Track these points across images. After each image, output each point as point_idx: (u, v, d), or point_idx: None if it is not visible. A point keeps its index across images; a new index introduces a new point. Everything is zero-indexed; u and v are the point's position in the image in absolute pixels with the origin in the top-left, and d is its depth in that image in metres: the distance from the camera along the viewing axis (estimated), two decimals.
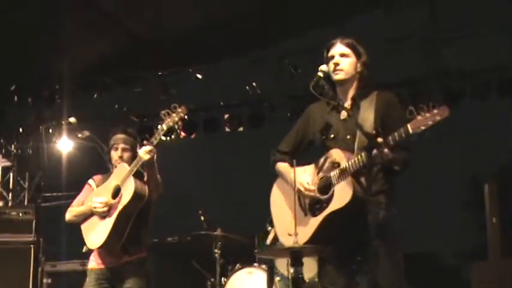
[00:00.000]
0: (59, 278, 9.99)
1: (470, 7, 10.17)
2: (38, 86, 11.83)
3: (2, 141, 12.24)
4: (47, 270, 9.95)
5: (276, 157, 5.27)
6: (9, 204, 11.68)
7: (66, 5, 9.31)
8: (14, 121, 12.24)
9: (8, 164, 12.13)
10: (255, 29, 10.45)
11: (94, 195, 6.28)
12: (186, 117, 5.81)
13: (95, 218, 6.18)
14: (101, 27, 10.14)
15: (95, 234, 6.13)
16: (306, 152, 5.26)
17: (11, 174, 12.09)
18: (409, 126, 4.43)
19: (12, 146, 12.25)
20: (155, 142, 5.85)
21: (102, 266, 6.14)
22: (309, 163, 5.02)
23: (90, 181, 6.50)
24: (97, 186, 6.39)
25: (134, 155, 6.16)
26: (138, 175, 6.03)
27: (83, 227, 6.29)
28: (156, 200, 6.24)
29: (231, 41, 10.67)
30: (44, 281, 9.84)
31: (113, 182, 6.15)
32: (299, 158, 5.14)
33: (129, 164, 6.08)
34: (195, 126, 11.56)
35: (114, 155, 6.29)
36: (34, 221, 9.14)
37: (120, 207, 5.98)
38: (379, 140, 4.48)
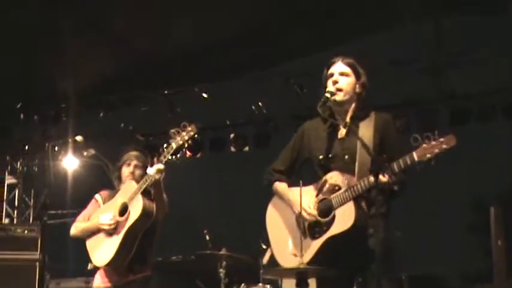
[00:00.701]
0: None
1: (476, 30, 10.18)
2: (44, 104, 11.87)
3: (8, 158, 12.28)
4: None
5: (274, 177, 5.20)
6: (15, 221, 11.68)
7: (72, 24, 9.34)
8: (20, 139, 12.28)
9: (13, 181, 12.15)
10: (261, 49, 10.47)
11: (100, 212, 6.29)
12: (195, 135, 5.81)
13: (101, 235, 6.18)
14: (107, 46, 10.16)
15: (102, 251, 6.13)
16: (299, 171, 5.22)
17: (17, 192, 12.10)
18: (414, 154, 4.41)
19: (18, 163, 12.28)
20: (164, 160, 5.85)
21: (108, 285, 6.14)
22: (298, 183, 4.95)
23: (97, 196, 6.51)
24: (103, 202, 6.41)
25: (144, 173, 6.18)
26: (145, 193, 6.04)
27: (88, 243, 6.29)
28: (162, 220, 6.24)
29: (237, 60, 10.69)
30: None
31: (119, 199, 6.17)
32: (293, 176, 5.13)
33: (138, 182, 6.10)
34: (201, 145, 11.58)
35: (126, 170, 6.32)
36: (39, 239, 9.13)
37: (127, 225, 5.99)
38: (386, 164, 4.45)
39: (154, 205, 6.04)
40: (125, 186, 6.20)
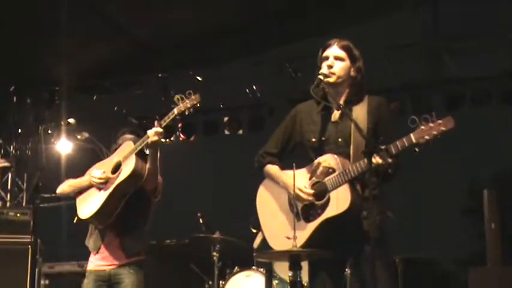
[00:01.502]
0: (57, 279, 9.97)
1: (473, 15, 10.16)
2: (38, 87, 11.83)
3: (0, 141, 12.23)
4: (45, 272, 9.94)
5: (265, 159, 5.15)
6: (7, 204, 11.66)
7: (67, 8, 9.29)
8: (13, 122, 12.23)
9: (6, 164, 12.12)
10: (256, 33, 10.45)
11: (94, 168, 6.27)
12: (198, 105, 5.78)
13: (91, 191, 6.17)
14: (102, 30, 10.13)
15: (88, 205, 6.12)
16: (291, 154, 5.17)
17: (10, 175, 12.08)
18: (412, 135, 4.37)
19: (11, 146, 12.24)
20: (164, 124, 5.83)
21: (101, 268, 6.12)
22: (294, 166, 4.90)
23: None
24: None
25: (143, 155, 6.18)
26: (141, 156, 6.01)
27: (78, 199, 6.27)
28: (156, 203, 6.23)
29: (231, 44, 10.66)
30: (42, 282, 9.82)
31: (115, 158, 6.14)
32: (285, 159, 5.10)
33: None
34: (195, 128, 11.57)
35: None
36: (32, 222, 9.11)
37: (117, 181, 5.97)
38: (382, 147, 4.42)
39: (146, 167, 6.00)
40: (122, 147, 6.17)
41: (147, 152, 6.03)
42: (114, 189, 5.98)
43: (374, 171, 4.48)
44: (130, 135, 6.36)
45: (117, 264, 6.07)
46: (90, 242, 6.26)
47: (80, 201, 6.26)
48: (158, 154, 6.00)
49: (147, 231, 6.33)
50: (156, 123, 5.85)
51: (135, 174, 5.93)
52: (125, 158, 6.01)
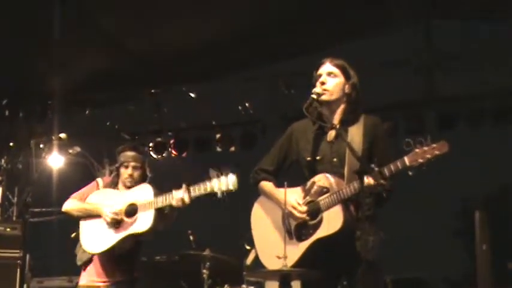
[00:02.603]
0: None
1: (465, 33, 10.19)
2: (30, 101, 11.79)
3: None
4: (34, 287, 9.87)
5: (260, 176, 5.14)
6: None
7: (60, 22, 9.28)
8: (4, 135, 12.18)
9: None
10: (249, 49, 10.44)
11: (105, 197, 6.22)
12: (232, 190, 5.52)
13: (99, 222, 6.12)
14: (95, 44, 10.12)
15: (96, 239, 6.09)
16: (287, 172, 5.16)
17: (0, 189, 12.01)
18: (406, 158, 4.37)
19: (2, 160, 12.18)
20: (193, 197, 5.75)
21: (96, 284, 6.10)
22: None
23: (99, 180, 6.44)
24: (104, 187, 6.35)
25: (144, 173, 6.18)
26: (158, 210, 5.98)
27: (84, 224, 6.22)
28: None
29: (224, 60, 10.66)
30: None
31: (130, 196, 6.11)
32: (280, 177, 5.08)
33: (137, 183, 6.12)
34: (187, 145, 11.54)
35: (124, 173, 6.26)
36: (21, 236, 9.06)
37: (130, 231, 5.95)
38: (375, 168, 4.40)
39: (161, 222, 6.00)
40: (140, 187, 6.12)
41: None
42: (127, 236, 5.97)
43: (368, 193, 4.46)
44: (132, 152, 6.32)
45: (112, 282, 6.08)
46: (80, 253, 6.24)
47: (86, 228, 6.22)
48: (176, 212, 6.00)
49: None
50: (184, 187, 5.76)
51: (151, 230, 5.93)
52: (143, 206, 5.95)
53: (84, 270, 6.21)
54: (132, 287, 6.13)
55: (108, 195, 6.26)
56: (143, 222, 5.90)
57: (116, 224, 6.03)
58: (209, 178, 5.59)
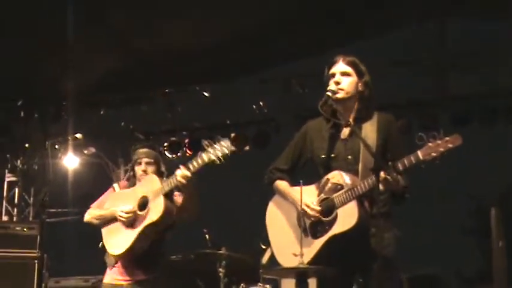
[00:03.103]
0: None
1: (478, 31, 10.18)
2: (45, 102, 11.85)
3: (8, 156, 12.25)
4: (51, 287, 9.94)
5: (275, 175, 5.18)
6: (14, 219, 11.67)
7: (74, 23, 9.32)
8: (20, 136, 12.25)
9: (13, 179, 12.14)
10: (263, 49, 10.46)
11: (118, 199, 6.28)
12: (229, 154, 5.59)
13: (118, 224, 6.18)
14: (109, 44, 10.16)
15: (117, 241, 6.15)
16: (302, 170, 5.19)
17: (17, 190, 12.09)
18: (419, 152, 4.39)
19: (18, 161, 12.26)
20: (193, 170, 5.76)
21: (119, 282, 6.17)
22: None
23: (115, 185, 6.50)
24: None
25: (158, 168, 6.22)
26: (168, 195, 6.02)
27: (104, 230, 6.29)
28: (188, 220, 6.25)
29: (238, 59, 10.68)
30: None
31: (139, 190, 6.15)
32: (296, 176, 5.10)
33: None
34: (201, 144, 11.56)
35: (138, 169, 6.32)
36: (38, 237, 9.12)
37: (145, 223, 5.98)
38: (389, 163, 4.42)
39: (174, 207, 6.02)
40: (147, 179, 6.18)
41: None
42: (144, 229, 5.99)
43: (383, 189, 4.48)
44: (144, 148, 6.37)
45: (135, 280, 6.12)
46: (108, 259, 6.30)
47: (106, 233, 6.29)
48: (191, 192, 5.98)
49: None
50: (182, 166, 5.80)
51: (165, 217, 5.95)
52: (152, 195, 5.99)
53: (110, 269, 6.28)
54: (154, 286, 6.17)
55: (121, 196, 6.32)
56: (155, 210, 5.93)
57: (132, 221, 6.07)
58: (203, 149, 5.66)
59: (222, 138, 5.64)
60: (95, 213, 6.38)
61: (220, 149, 5.57)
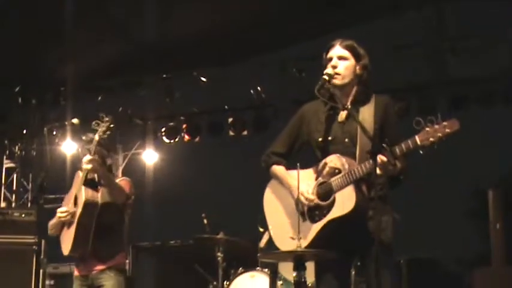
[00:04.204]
0: (62, 280, 9.97)
1: (477, 14, 10.16)
2: (43, 87, 11.84)
3: (6, 142, 12.25)
4: (50, 272, 9.95)
5: (271, 159, 5.14)
6: (12, 205, 11.68)
7: (72, 8, 9.30)
8: (18, 122, 12.24)
9: (11, 165, 12.14)
10: (260, 34, 10.44)
11: (65, 200, 6.43)
12: (112, 126, 5.97)
13: (66, 226, 6.31)
14: (107, 30, 10.14)
15: (65, 241, 6.29)
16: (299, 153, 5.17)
17: (15, 176, 12.10)
18: (417, 137, 4.35)
19: (16, 147, 12.26)
20: (93, 152, 5.96)
21: (82, 273, 6.25)
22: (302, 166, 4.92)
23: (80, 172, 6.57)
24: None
25: (103, 161, 6.24)
26: (90, 183, 6.13)
27: (61, 237, 6.41)
28: (128, 206, 6.34)
29: (236, 44, 10.66)
30: (47, 282, 9.84)
31: (73, 190, 6.28)
32: (293, 159, 5.08)
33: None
34: (199, 129, 11.57)
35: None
36: (36, 222, 9.13)
37: (77, 216, 6.09)
38: (386, 147, 4.41)
39: (99, 194, 6.10)
40: (75, 178, 6.31)
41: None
42: (77, 224, 6.09)
43: (383, 174, 4.48)
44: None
45: (97, 270, 6.17)
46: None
47: (61, 238, 6.40)
48: (107, 175, 6.13)
49: (125, 234, 6.48)
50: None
51: (89, 206, 6.05)
52: (78, 190, 6.13)
53: (76, 261, 6.38)
54: (117, 275, 6.21)
55: (67, 197, 6.43)
56: (79, 202, 6.09)
57: (72, 219, 6.20)
58: (94, 130, 5.98)
59: (105, 116, 5.98)
60: (49, 225, 6.48)
61: (104, 124, 5.95)
